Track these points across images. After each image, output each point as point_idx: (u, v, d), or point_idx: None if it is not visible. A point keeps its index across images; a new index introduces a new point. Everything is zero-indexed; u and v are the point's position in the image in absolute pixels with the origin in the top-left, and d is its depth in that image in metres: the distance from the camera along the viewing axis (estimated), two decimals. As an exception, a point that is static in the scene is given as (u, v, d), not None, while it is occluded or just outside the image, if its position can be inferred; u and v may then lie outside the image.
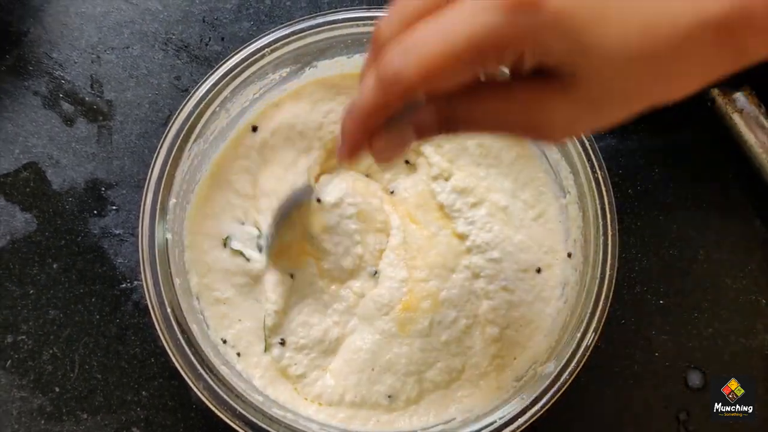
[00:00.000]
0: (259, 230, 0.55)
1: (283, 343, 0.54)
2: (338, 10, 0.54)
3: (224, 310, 0.54)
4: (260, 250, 0.54)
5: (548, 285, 0.56)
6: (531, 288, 0.56)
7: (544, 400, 0.48)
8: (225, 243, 0.55)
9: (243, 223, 0.55)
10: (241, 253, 0.54)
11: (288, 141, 0.56)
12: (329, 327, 0.54)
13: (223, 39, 0.63)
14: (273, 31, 0.54)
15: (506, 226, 0.56)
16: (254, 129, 0.56)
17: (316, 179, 0.57)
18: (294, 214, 0.53)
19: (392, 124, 0.33)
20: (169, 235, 0.50)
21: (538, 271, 0.56)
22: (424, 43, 0.29)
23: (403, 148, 0.35)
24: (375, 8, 0.55)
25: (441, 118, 0.33)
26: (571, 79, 0.29)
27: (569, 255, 0.56)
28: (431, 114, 0.33)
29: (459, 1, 0.29)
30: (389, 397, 0.53)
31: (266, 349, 0.53)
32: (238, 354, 0.53)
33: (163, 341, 0.48)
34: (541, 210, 0.57)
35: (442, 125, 0.33)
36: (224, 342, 0.53)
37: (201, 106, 0.52)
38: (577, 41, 0.27)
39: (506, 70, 0.32)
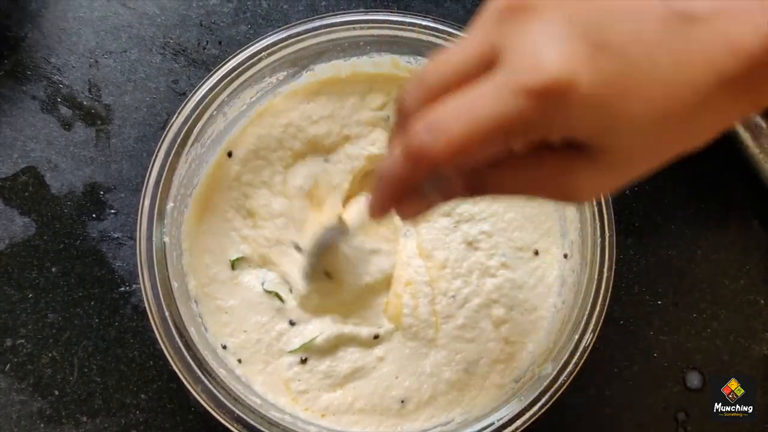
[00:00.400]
0: (288, 282, 0.56)
1: (304, 361, 0.54)
2: (335, 13, 0.55)
3: (226, 319, 0.54)
4: (291, 291, 0.55)
5: (547, 281, 0.56)
6: (532, 271, 0.56)
7: (542, 401, 0.48)
8: (233, 265, 0.55)
9: (270, 271, 0.56)
10: (277, 295, 0.55)
11: (256, 174, 0.56)
12: (358, 359, 0.54)
13: (220, 42, 0.63)
14: (270, 35, 0.54)
15: (494, 202, 0.57)
16: (229, 155, 0.56)
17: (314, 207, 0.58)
18: (324, 254, 0.53)
19: (420, 190, 0.34)
20: (166, 239, 0.50)
21: (536, 253, 0.56)
22: (451, 120, 0.29)
23: (428, 211, 0.36)
24: (372, 11, 0.55)
25: (468, 186, 0.34)
26: (599, 150, 0.30)
27: (565, 256, 0.56)
28: (459, 183, 0.34)
29: (487, 78, 0.29)
30: (402, 401, 0.53)
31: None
32: (239, 360, 0.53)
33: (161, 344, 0.48)
34: None
35: (469, 192, 0.34)
36: (224, 348, 0.53)
37: (198, 109, 0.52)
38: (605, 118, 0.28)
39: None
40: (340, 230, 0.50)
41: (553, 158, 0.31)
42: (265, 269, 0.56)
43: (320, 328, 0.54)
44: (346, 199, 0.57)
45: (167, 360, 0.48)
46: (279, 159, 0.57)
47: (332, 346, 0.54)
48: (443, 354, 0.54)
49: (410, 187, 0.33)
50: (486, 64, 0.30)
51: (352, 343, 0.54)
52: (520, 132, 0.29)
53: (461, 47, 0.31)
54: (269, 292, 0.55)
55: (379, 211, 0.36)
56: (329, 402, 0.53)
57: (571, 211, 0.55)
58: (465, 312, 0.55)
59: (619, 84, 0.28)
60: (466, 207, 0.56)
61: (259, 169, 0.56)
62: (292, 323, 0.55)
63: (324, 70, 0.57)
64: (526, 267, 0.56)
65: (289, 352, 0.54)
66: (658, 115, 0.28)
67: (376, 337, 0.54)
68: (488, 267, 0.56)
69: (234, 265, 0.55)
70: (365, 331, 0.54)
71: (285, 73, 0.56)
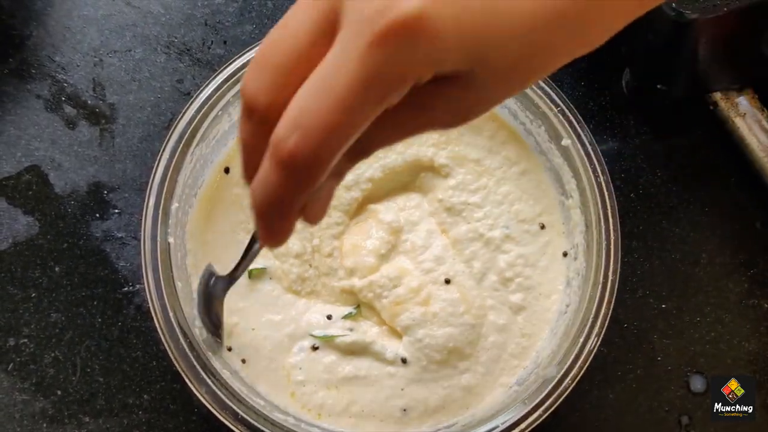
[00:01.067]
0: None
1: (315, 348, 0.54)
2: (340, 13, 0.54)
3: (234, 320, 0.54)
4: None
5: (557, 263, 0.56)
6: (542, 247, 0.56)
7: (546, 404, 0.48)
8: (250, 274, 0.55)
9: (330, 317, 0.55)
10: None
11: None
12: (362, 369, 0.54)
13: (225, 42, 0.63)
14: (275, 35, 0.54)
15: (483, 177, 0.57)
16: (227, 171, 0.56)
17: None
18: None
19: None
20: (171, 239, 0.50)
21: (542, 227, 0.57)
22: (315, 111, 0.25)
23: (330, 200, 0.32)
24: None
25: (352, 156, 0.30)
26: (468, 75, 0.27)
27: (564, 254, 0.56)
28: (343, 158, 0.29)
29: (335, 44, 0.26)
30: (404, 410, 0.53)
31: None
32: (243, 361, 0.53)
33: (165, 345, 0.48)
34: (527, 167, 0.58)
35: (354, 158, 0.30)
36: (230, 350, 0.53)
37: (203, 109, 0.52)
38: (470, 45, 0.25)
39: None
40: (218, 281, 0.49)
41: (429, 95, 0.28)
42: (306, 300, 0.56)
43: (350, 332, 0.54)
44: (357, 210, 0.57)
45: (170, 360, 0.48)
46: None
47: (350, 351, 0.54)
48: (473, 357, 0.54)
49: (304, 199, 0.28)
50: (331, 27, 0.26)
51: (371, 357, 0.54)
52: (389, 90, 0.25)
53: (298, 15, 0.27)
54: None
55: (275, 238, 0.30)
56: (324, 400, 0.53)
57: (576, 213, 0.55)
58: (486, 292, 0.55)
59: (476, 7, 0.25)
60: (449, 182, 0.57)
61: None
62: (329, 317, 0.54)
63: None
64: (534, 242, 0.56)
65: (310, 335, 0.53)
66: (525, 29, 0.26)
67: (404, 361, 0.53)
68: (492, 239, 0.56)
69: (251, 273, 0.55)
70: (391, 352, 0.53)
71: (290, 73, 0.56)
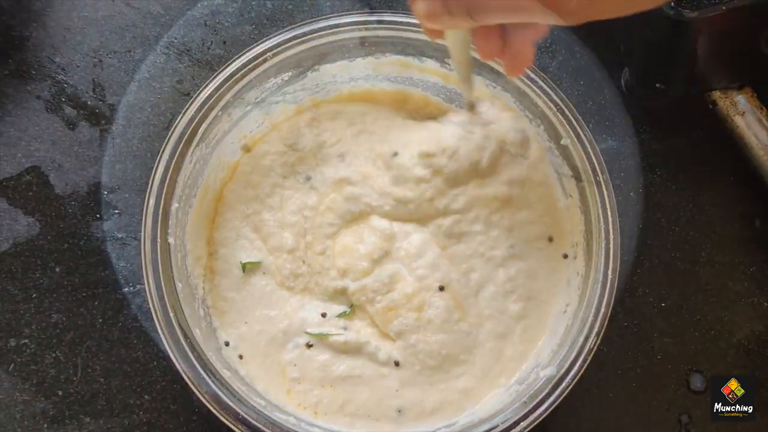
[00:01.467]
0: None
1: (309, 346, 0.54)
2: (340, 14, 0.54)
3: (232, 317, 0.54)
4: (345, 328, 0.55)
5: (553, 280, 0.56)
6: (547, 258, 0.56)
7: (546, 404, 0.48)
8: (244, 267, 0.55)
9: (324, 315, 0.55)
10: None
11: (258, 189, 0.57)
12: (356, 368, 0.54)
13: (224, 42, 0.63)
14: (275, 35, 0.54)
15: (492, 224, 0.57)
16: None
17: None
18: None
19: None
20: (171, 240, 0.50)
21: (551, 240, 0.56)
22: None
23: (436, 18, 0.40)
24: (377, 12, 0.55)
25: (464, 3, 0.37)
26: None
27: (565, 256, 0.56)
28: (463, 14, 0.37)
29: None
30: (399, 411, 0.53)
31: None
32: (240, 356, 0.53)
33: (166, 345, 0.48)
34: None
35: (467, 10, 0.37)
36: (227, 344, 0.53)
37: (203, 110, 0.52)
38: None
39: None
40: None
41: None
42: (300, 296, 0.56)
43: (343, 331, 0.54)
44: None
45: (171, 361, 0.48)
46: (279, 178, 0.58)
47: (343, 350, 0.54)
48: (468, 363, 0.54)
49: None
50: None
51: (365, 356, 0.54)
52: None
53: None
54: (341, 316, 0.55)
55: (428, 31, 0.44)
56: (320, 399, 0.53)
57: (575, 212, 0.55)
58: (484, 302, 0.54)
59: None
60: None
61: (259, 184, 0.57)
62: (323, 315, 0.55)
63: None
64: (539, 255, 0.56)
65: (306, 332, 0.54)
66: None
67: (397, 364, 0.53)
68: (493, 257, 0.55)
69: (245, 267, 0.55)
70: (384, 354, 0.54)
71: (290, 73, 0.56)
